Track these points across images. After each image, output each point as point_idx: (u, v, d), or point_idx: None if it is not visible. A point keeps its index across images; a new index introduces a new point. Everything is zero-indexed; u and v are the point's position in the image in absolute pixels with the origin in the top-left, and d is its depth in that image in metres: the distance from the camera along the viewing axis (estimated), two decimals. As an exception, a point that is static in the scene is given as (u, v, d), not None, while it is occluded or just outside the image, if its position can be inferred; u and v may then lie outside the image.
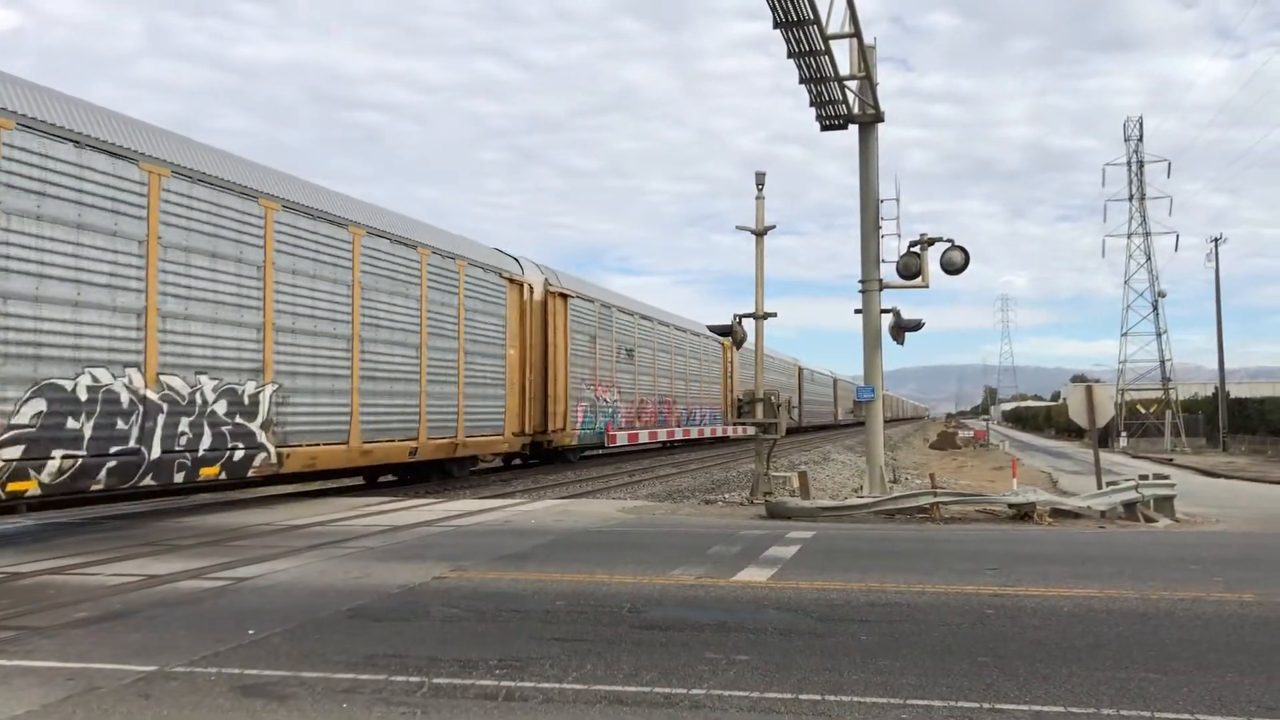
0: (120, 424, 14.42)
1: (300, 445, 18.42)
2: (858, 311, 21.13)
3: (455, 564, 11.21)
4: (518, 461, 32.02)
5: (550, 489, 24.08)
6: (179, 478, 15.64)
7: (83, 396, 13.83)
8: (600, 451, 37.90)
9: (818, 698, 6.03)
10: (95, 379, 14.08)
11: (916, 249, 20.28)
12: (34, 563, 11.46)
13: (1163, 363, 71.47)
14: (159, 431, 15.07)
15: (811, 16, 17.13)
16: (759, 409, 20.80)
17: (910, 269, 20.32)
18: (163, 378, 15.25)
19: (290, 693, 6.18)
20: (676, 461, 36.78)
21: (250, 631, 7.77)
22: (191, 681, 6.44)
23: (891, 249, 20.71)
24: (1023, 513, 16.14)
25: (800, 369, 72.22)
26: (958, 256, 19.81)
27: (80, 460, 13.68)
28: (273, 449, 17.61)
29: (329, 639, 7.60)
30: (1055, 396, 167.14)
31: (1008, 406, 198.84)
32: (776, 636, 7.69)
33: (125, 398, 14.55)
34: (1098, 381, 23.30)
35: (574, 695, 6.11)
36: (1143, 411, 70.81)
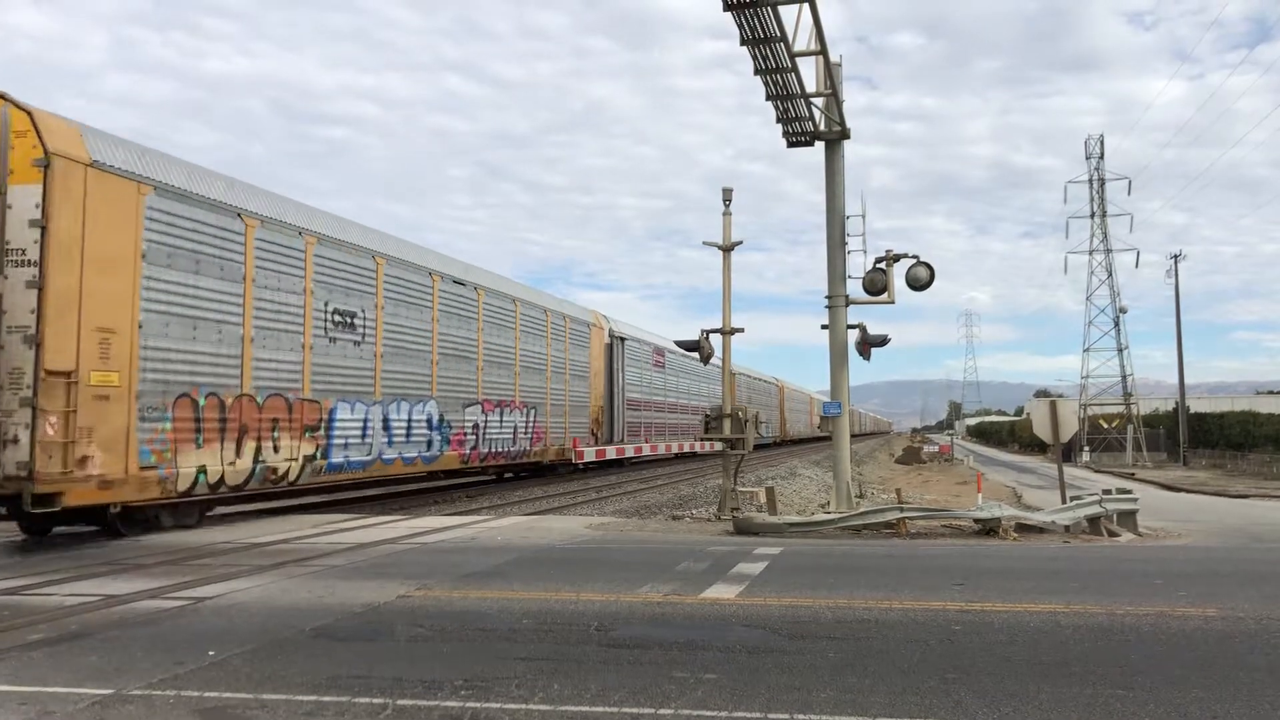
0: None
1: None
2: (824, 327, 21.21)
3: (420, 582, 11.09)
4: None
5: (517, 505, 23.95)
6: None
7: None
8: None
9: (786, 716, 6.00)
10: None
11: (882, 265, 20.41)
12: (-12, 583, 11.21)
13: (1124, 378, 72.35)
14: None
15: (778, 34, 17.22)
16: (726, 424, 20.79)
17: (876, 285, 20.43)
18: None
19: (251, 716, 6.07)
20: (644, 477, 36.71)
21: (210, 653, 7.63)
22: (149, 705, 6.30)
23: (857, 265, 20.87)
24: (988, 528, 16.22)
25: (620, 339, 42.03)
26: (923, 272, 19.94)
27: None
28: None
29: (291, 660, 7.47)
30: (1019, 411, 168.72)
31: (972, 421, 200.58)
32: (745, 654, 7.65)
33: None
34: (1061, 397, 23.50)
35: (540, 716, 6.04)
36: (1105, 426, 71.66)
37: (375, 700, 6.34)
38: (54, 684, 6.78)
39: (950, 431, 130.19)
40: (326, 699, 6.38)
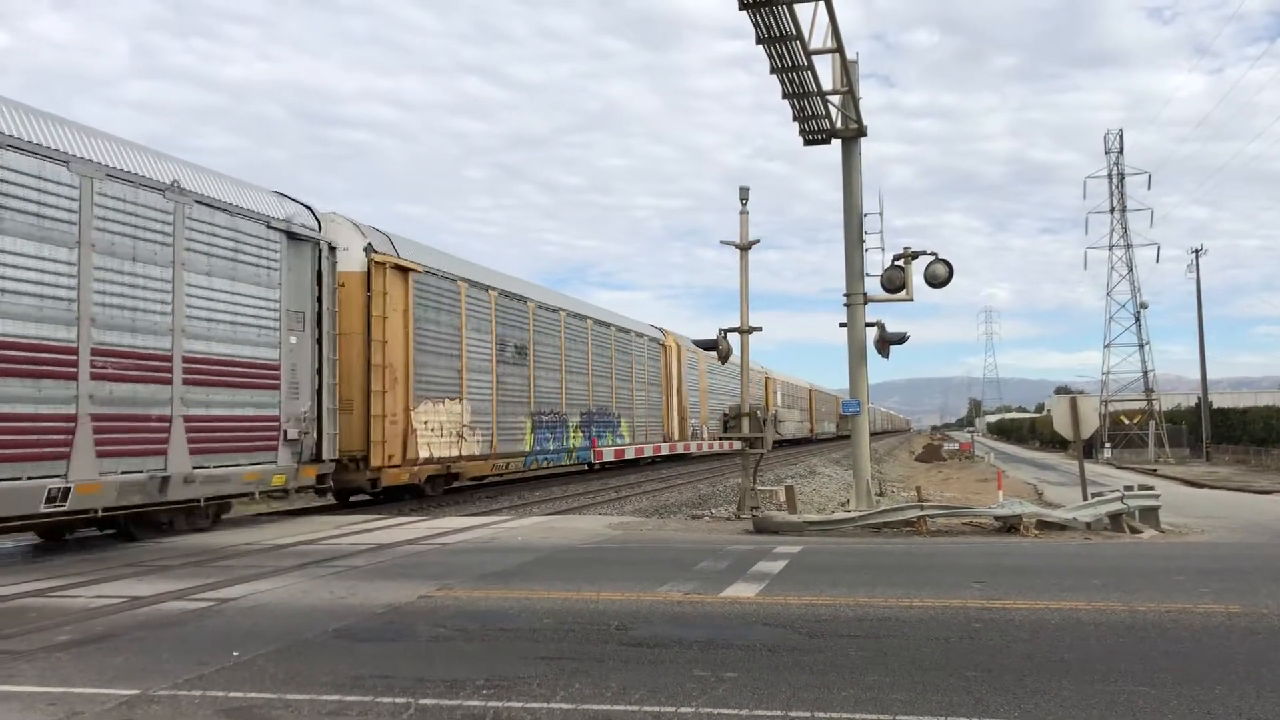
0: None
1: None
2: (843, 325, 21.17)
3: (441, 582, 11.14)
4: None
5: (536, 505, 24.01)
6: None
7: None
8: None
9: (807, 715, 6.00)
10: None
11: (900, 262, 20.33)
12: (14, 585, 11.33)
13: (1145, 374, 71.94)
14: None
15: (794, 32, 17.20)
16: (745, 423, 20.78)
17: (894, 282, 20.36)
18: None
19: (275, 715, 6.12)
20: (663, 476, 36.72)
21: (235, 653, 7.70)
22: (175, 705, 6.36)
23: (875, 263, 20.78)
24: (1009, 525, 16.14)
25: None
26: (941, 269, 19.86)
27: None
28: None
29: (315, 660, 7.53)
30: (1039, 408, 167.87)
31: (992, 418, 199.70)
32: (765, 653, 7.65)
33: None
34: (1081, 393, 23.39)
35: (562, 715, 6.06)
36: (1126, 422, 71.22)
37: (398, 700, 6.38)
38: (81, 685, 6.86)
39: (970, 429, 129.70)
40: (350, 699, 6.43)
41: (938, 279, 19.89)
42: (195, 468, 16.06)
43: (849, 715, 5.98)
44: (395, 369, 22.51)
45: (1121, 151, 73.13)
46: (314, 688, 6.69)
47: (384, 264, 22.27)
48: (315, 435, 19.18)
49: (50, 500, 13.56)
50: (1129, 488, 17.66)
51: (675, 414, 46.38)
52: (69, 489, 13.75)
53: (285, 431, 18.33)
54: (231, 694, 6.57)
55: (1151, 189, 75.78)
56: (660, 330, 46.49)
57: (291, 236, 18.72)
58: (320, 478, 19.54)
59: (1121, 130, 73.32)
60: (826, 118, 20.41)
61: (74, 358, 14.00)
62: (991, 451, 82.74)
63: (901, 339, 21.09)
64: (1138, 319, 71.94)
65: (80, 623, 9.09)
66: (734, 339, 22.08)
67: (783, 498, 20.49)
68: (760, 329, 22.01)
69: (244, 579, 11.55)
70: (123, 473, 14.69)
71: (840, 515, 17.75)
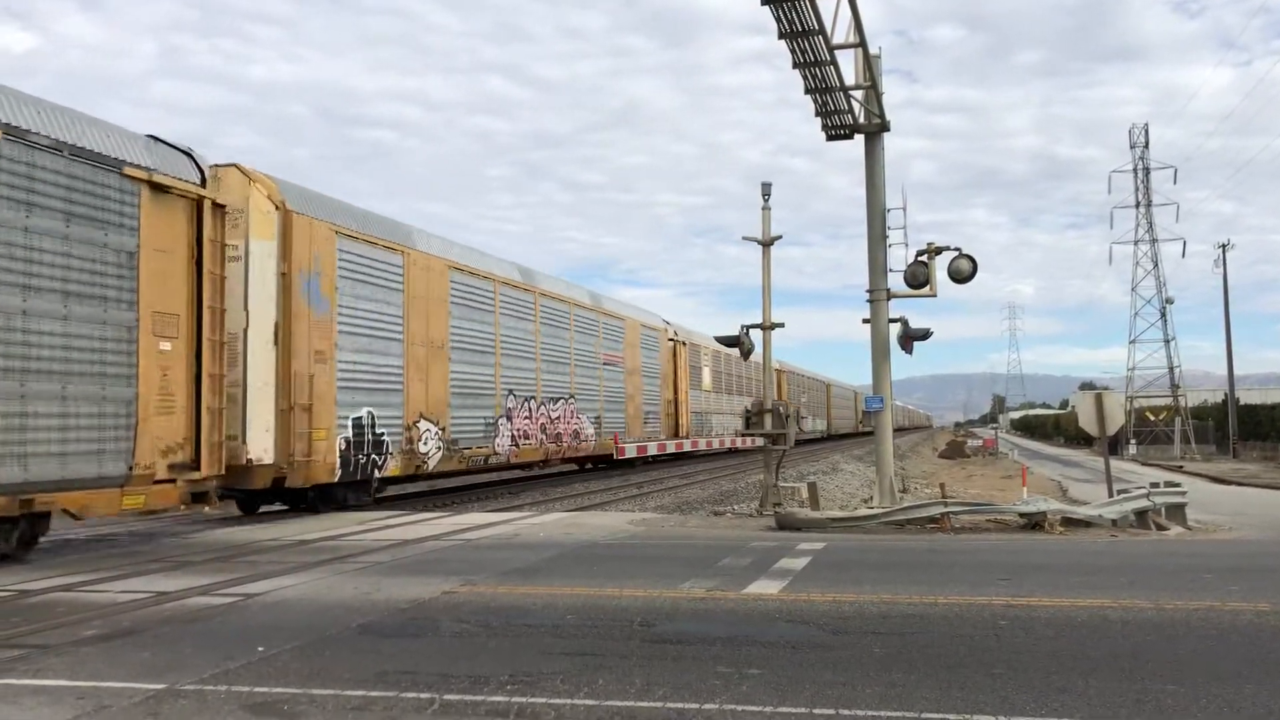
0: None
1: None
2: (865, 321, 21.09)
3: (465, 578, 11.17)
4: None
5: (559, 501, 24.06)
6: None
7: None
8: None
9: (831, 712, 5.98)
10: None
11: (924, 258, 20.22)
12: (43, 580, 11.44)
13: (1171, 369, 71.33)
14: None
15: (817, 27, 17.14)
16: (767, 420, 20.74)
17: (918, 278, 20.26)
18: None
19: (300, 710, 6.15)
20: (685, 473, 36.70)
21: (260, 648, 7.74)
22: (201, 699, 6.40)
23: (899, 258, 20.68)
24: (1034, 522, 16.04)
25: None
26: (965, 265, 19.75)
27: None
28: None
29: (339, 656, 7.56)
30: (1064, 404, 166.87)
31: (1016, 415, 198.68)
32: (789, 650, 7.63)
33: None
34: (1106, 389, 23.22)
35: (585, 711, 6.06)
36: (1152, 419, 70.70)
37: (422, 695, 6.40)
38: (109, 679, 6.91)
39: (994, 425, 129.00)
40: (374, 694, 6.45)
41: (961, 274, 19.78)
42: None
43: (874, 713, 5.96)
44: None
45: (1147, 146, 72.54)
46: (339, 683, 6.72)
47: None
48: None
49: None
50: (1155, 484, 17.51)
51: (423, 391, 22.46)
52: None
53: None
54: (257, 689, 6.60)
55: (1177, 183, 75.22)
56: (411, 235, 22.76)
57: None
58: None
59: (1147, 125, 72.76)
60: (849, 113, 20.33)
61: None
62: (1015, 448, 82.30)
63: (925, 335, 20.99)
64: (1163, 314, 71.34)
65: (107, 617, 9.17)
66: (756, 335, 22.05)
67: (805, 494, 20.45)
68: (783, 325, 21.96)
69: (268, 574, 11.62)
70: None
71: (863, 512, 17.69)
